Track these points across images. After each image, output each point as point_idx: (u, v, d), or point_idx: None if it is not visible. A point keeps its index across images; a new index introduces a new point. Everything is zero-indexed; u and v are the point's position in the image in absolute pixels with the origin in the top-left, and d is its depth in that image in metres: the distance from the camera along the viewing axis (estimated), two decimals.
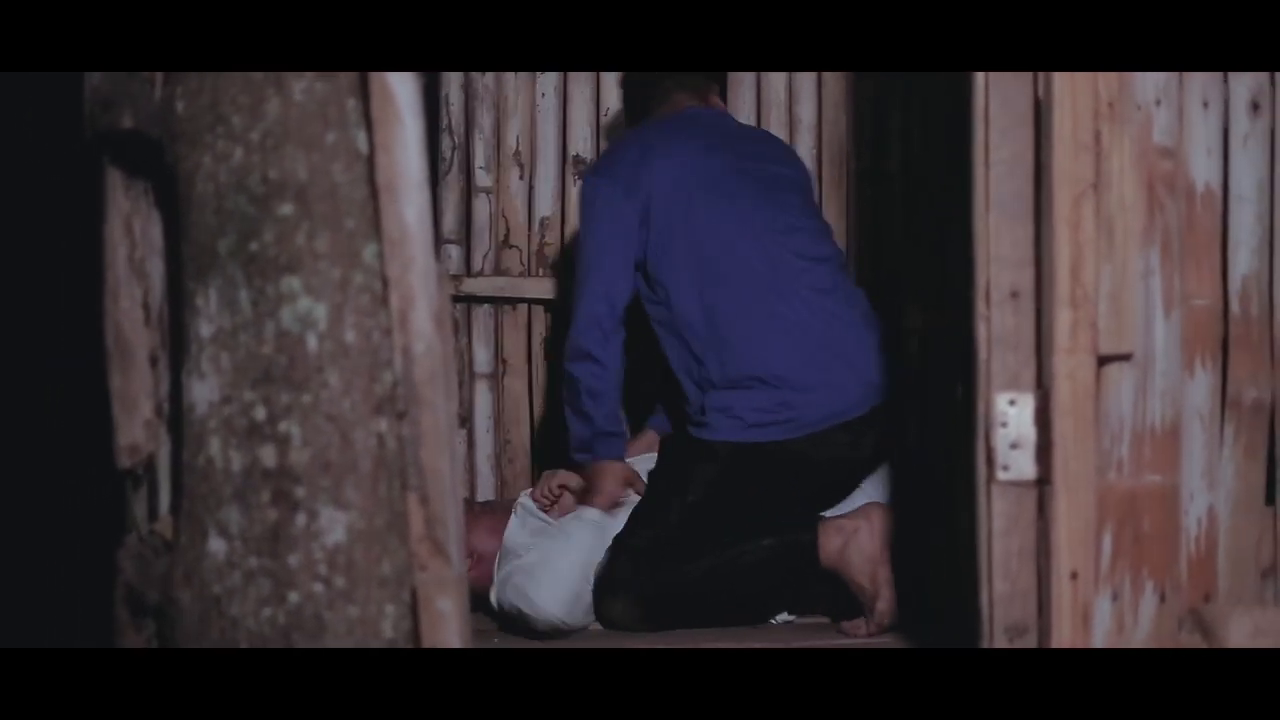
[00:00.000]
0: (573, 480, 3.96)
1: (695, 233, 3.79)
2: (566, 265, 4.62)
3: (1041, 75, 2.66)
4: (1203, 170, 2.84)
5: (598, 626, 3.74)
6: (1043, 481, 2.67)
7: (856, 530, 3.54)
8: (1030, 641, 2.70)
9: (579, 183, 4.61)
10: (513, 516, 3.91)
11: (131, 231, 2.76)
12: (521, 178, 4.63)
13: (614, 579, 3.71)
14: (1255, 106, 2.89)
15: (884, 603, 3.50)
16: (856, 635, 3.51)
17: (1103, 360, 2.68)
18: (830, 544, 3.57)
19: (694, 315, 3.79)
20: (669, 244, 3.80)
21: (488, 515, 3.97)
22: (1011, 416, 2.68)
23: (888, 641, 3.42)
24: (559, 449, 4.34)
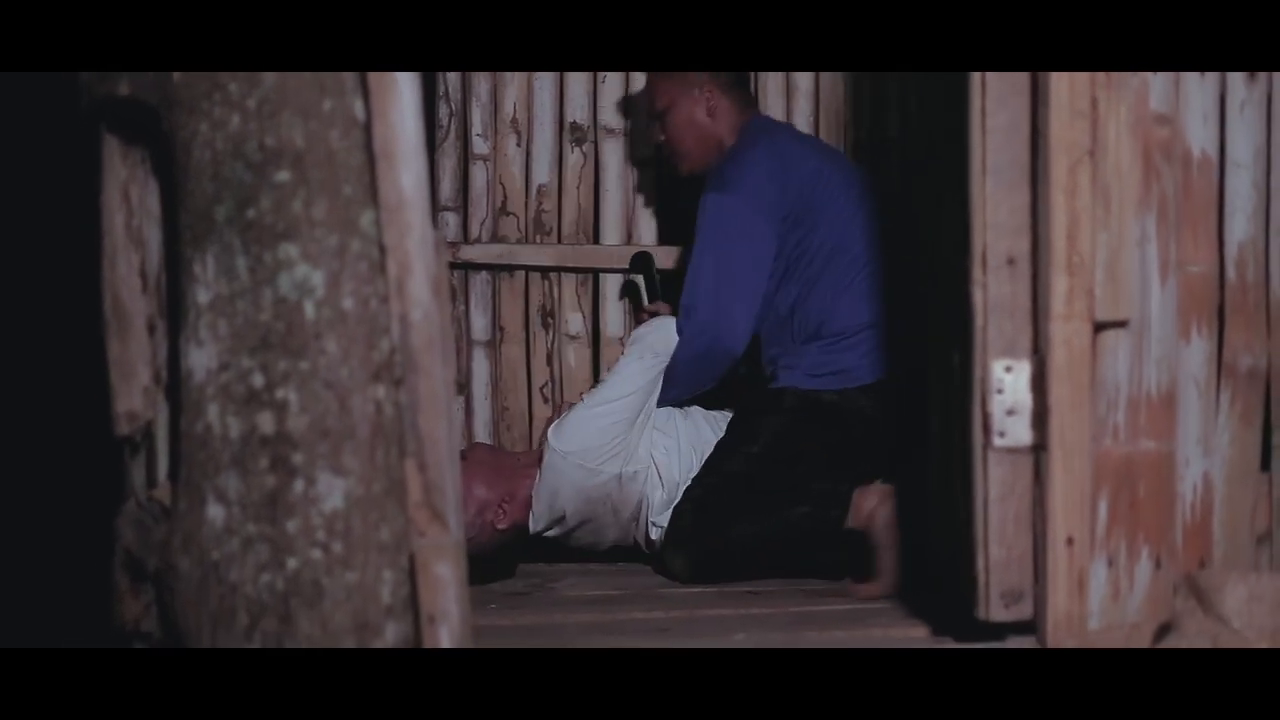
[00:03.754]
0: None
1: (811, 237, 4.01)
2: (563, 233, 4.63)
3: None
4: (1199, 137, 2.84)
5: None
6: (1039, 448, 2.68)
7: (887, 496, 3.69)
8: (1026, 607, 2.71)
9: (575, 150, 4.62)
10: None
11: (129, 199, 2.76)
12: (519, 145, 4.63)
13: (676, 534, 3.90)
14: (1252, 73, 2.89)
15: (892, 570, 3.58)
16: (868, 596, 3.56)
17: (1099, 327, 2.68)
18: (865, 505, 3.72)
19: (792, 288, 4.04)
20: (802, 236, 4.01)
21: (500, 463, 4.07)
22: (1008, 383, 2.69)
23: (881, 610, 3.42)
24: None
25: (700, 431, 4.07)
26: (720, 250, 3.97)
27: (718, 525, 3.84)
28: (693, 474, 3.97)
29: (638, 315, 4.50)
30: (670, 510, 3.95)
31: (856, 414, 3.91)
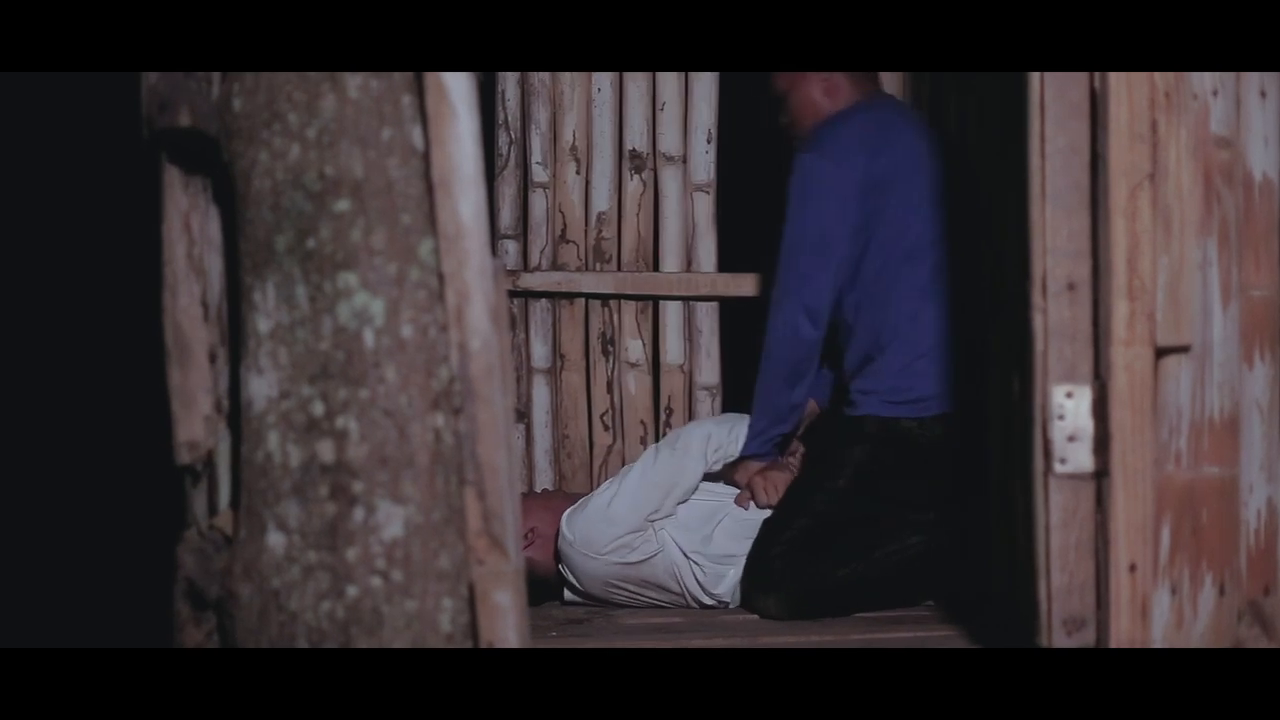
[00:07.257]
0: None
1: (886, 219, 3.89)
2: (623, 260, 4.63)
3: None
4: (1260, 160, 2.82)
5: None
6: (1100, 474, 2.67)
7: None
8: (1089, 634, 2.69)
9: (634, 178, 4.61)
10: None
11: (190, 229, 2.77)
12: (578, 173, 4.63)
13: (767, 575, 3.77)
14: None
15: None
16: None
17: (1160, 352, 2.67)
18: None
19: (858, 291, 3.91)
20: (881, 218, 3.88)
21: (549, 498, 4.08)
22: (1069, 409, 2.67)
23: (944, 638, 3.40)
24: (616, 442, 4.40)
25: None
26: (798, 217, 3.88)
27: (818, 566, 3.73)
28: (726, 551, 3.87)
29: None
30: (727, 577, 3.86)
31: (933, 444, 3.80)
